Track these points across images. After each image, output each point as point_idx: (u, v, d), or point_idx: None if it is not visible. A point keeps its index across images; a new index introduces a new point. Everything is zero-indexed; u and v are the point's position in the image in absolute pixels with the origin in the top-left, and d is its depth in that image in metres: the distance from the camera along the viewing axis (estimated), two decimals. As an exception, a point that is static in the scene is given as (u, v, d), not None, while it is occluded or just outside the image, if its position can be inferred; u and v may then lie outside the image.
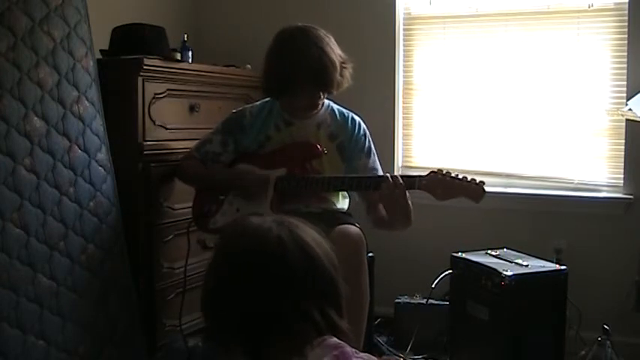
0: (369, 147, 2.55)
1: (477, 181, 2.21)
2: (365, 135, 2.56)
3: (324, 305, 1.18)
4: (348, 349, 1.15)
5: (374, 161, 2.55)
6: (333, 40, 2.43)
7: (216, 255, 1.27)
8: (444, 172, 2.25)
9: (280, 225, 1.23)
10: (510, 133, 3.29)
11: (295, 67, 2.35)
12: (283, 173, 2.45)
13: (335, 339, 1.17)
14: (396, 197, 2.23)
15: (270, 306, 1.16)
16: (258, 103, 2.63)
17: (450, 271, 2.85)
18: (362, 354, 1.18)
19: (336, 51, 2.39)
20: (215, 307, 1.21)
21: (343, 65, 2.42)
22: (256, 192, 2.45)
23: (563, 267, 2.67)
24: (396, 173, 2.68)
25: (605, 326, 2.70)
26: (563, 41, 3.15)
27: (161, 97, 2.73)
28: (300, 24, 2.44)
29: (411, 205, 2.27)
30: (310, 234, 1.25)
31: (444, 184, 2.23)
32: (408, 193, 2.25)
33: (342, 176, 2.45)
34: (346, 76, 2.43)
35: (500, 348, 2.57)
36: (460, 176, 2.23)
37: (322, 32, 2.41)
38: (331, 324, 1.18)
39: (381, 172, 2.51)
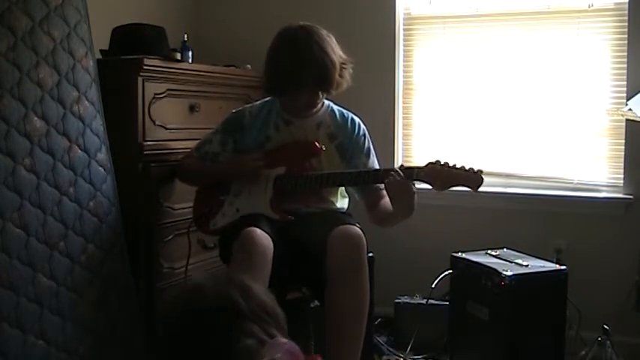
0: (369, 147, 2.56)
1: (475, 170, 2.22)
2: (364, 135, 2.56)
3: (266, 326, 1.24)
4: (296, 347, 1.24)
5: (373, 162, 2.55)
6: (334, 40, 2.43)
7: (166, 315, 1.32)
8: (442, 162, 2.26)
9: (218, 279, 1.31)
10: (510, 133, 3.29)
11: (295, 66, 2.35)
12: (282, 172, 2.45)
13: (284, 339, 1.23)
14: (401, 189, 2.24)
15: (219, 341, 1.21)
16: (257, 103, 2.63)
17: (450, 271, 2.85)
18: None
19: (336, 51, 2.40)
20: (170, 351, 1.27)
21: (343, 66, 2.42)
22: (256, 189, 2.45)
23: (563, 267, 2.67)
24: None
25: (605, 326, 2.70)
26: (563, 41, 3.15)
27: (161, 97, 2.73)
28: (302, 23, 2.44)
29: (415, 192, 2.27)
30: (248, 280, 1.33)
31: (442, 174, 2.24)
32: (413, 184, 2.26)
33: (342, 172, 2.46)
34: (346, 77, 2.44)
35: (500, 348, 2.57)
36: (458, 165, 2.24)
37: (324, 32, 2.42)
38: (273, 338, 1.25)
39: None
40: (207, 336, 1.21)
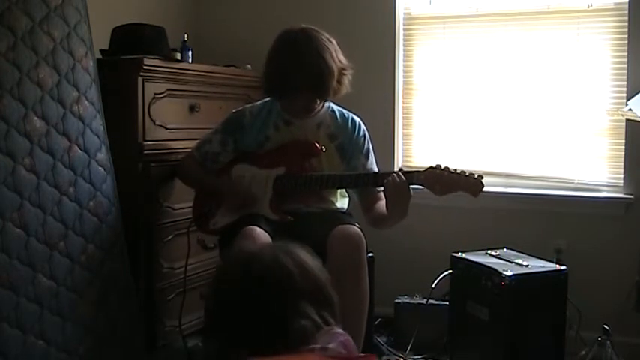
0: (368, 148, 2.56)
1: (475, 176, 2.22)
2: (364, 136, 2.56)
3: (320, 309, 1.26)
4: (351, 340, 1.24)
5: (372, 163, 2.55)
6: (335, 44, 2.41)
7: (222, 279, 1.33)
8: (442, 167, 2.26)
9: (276, 248, 1.33)
10: (510, 133, 3.29)
11: (292, 71, 2.34)
12: (282, 172, 2.45)
13: (340, 329, 1.24)
14: (399, 191, 2.24)
15: (276, 313, 1.23)
16: (258, 103, 2.63)
17: (450, 271, 2.85)
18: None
19: (336, 57, 2.37)
20: (223, 318, 1.28)
21: (343, 72, 2.40)
22: (255, 189, 2.45)
23: (563, 267, 2.67)
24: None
25: (605, 326, 2.70)
26: (563, 41, 3.15)
27: (161, 97, 2.73)
28: (304, 26, 2.42)
29: (411, 196, 2.28)
30: (304, 254, 1.33)
31: (442, 179, 2.23)
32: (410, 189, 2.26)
33: (341, 174, 2.45)
34: (344, 83, 2.42)
35: (500, 348, 2.57)
36: (458, 170, 2.24)
37: (325, 36, 2.40)
38: (328, 324, 1.25)
39: None
40: (265, 309, 1.21)
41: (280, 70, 2.39)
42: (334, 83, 2.37)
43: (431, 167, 2.27)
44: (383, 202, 2.35)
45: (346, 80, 2.42)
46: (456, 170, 2.24)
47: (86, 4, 2.48)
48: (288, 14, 3.49)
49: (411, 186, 2.27)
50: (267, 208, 2.43)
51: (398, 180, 2.24)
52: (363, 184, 2.43)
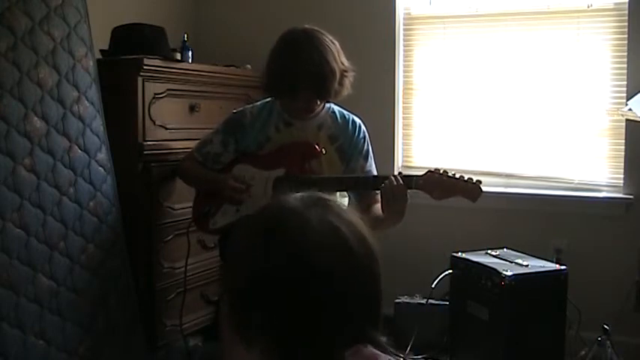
0: (367, 150, 2.55)
1: (474, 181, 2.21)
2: (364, 138, 2.55)
3: (366, 329, 1.02)
4: (383, 358, 1.04)
5: (370, 164, 2.54)
6: (338, 46, 2.39)
7: (247, 248, 1.07)
8: (441, 171, 2.25)
9: (322, 221, 1.03)
10: (510, 133, 3.29)
11: (293, 72, 2.33)
12: (282, 173, 2.45)
13: (370, 348, 1.04)
14: (396, 195, 2.23)
15: (308, 318, 1.00)
16: (258, 103, 2.63)
17: (450, 271, 2.85)
18: None
19: (338, 59, 2.35)
20: (242, 309, 1.06)
21: (345, 74, 2.38)
22: (255, 190, 2.45)
23: (563, 267, 2.67)
24: (395, 172, 2.68)
25: (605, 326, 2.70)
26: (563, 41, 3.15)
27: (161, 97, 2.73)
28: (307, 27, 2.40)
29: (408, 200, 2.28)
30: (354, 229, 1.05)
31: (441, 184, 2.23)
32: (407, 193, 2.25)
33: (341, 176, 2.45)
34: (346, 85, 2.40)
35: (500, 348, 2.57)
36: (457, 175, 2.23)
37: (328, 38, 2.37)
38: (369, 338, 1.04)
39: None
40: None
41: (281, 69, 2.39)
42: (335, 85, 2.36)
43: (430, 171, 2.26)
44: (379, 205, 2.35)
45: (347, 82, 2.41)
46: (454, 174, 2.23)
47: (86, 4, 2.48)
48: (288, 14, 3.49)
49: (409, 190, 2.26)
50: (267, 208, 2.42)
51: (396, 184, 2.24)
52: (363, 187, 2.42)
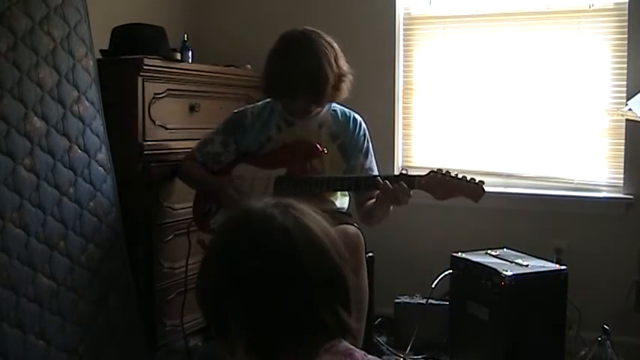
0: (367, 147, 2.55)
1: (477, 181, 2.21)
2: (365, 135, 2.56)
3: (333, 303, 1.09)
4: (358, 354, 1.10)
5: (370, 162, 2.55)
6: (337, 48, 2.37)
7: (215, 248, 1.16)
8: (444, 171, 2.25)
9: (284, 213, 1.12)
10: (510, 133, 3.29)
11: (290, 75, 2.32)
12: (283, 173, 2.45)
13: (345, 343, 1.10)
14: (399, 197, 2.23)
15: (277, 307, 1.06)
16: (259, 103, 2.63)
17: (450, 271, 2.85)
18: (370, 356, 1.14)
19: (335, 62, 2.34)
20: (215, 307, 1.12)
21: (342, 78, 2.37)
22: (256, 190, 2.45)
23: (563, 267, 2.67)
24: (395, 172, 2.68)
25: (605, 326, 2.70)
26: (563, 41, 3.15)
27: (161, 97, 2.73)
28: (307, 28, 2.39)
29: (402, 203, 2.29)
30: (317, 222, 1.16)
31: (443, 184, 2.23)
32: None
33: (341, 176, 2.45)
34: (343, 89, 2.39)
35: (500, 348, 2.57)
36: (460, 176, 2.23)
37: (326, 40, 2.36)
38: (341, 324, 1.10)
39: (376, 173, 2.51)
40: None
41: (279, 70, 2.38)
42: (329, 89, 2.34)
43: (432, 171, 2.26)
44: (374, 200, 2.36)
45: (344, 87, 2.38)
46: (457, 175, 2.23)
47: (86, 4, 2.48)
48: (288, 14, 3.49)
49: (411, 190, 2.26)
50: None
51: (395, 184, 2.23)
52: (364, 188, 2.41)
